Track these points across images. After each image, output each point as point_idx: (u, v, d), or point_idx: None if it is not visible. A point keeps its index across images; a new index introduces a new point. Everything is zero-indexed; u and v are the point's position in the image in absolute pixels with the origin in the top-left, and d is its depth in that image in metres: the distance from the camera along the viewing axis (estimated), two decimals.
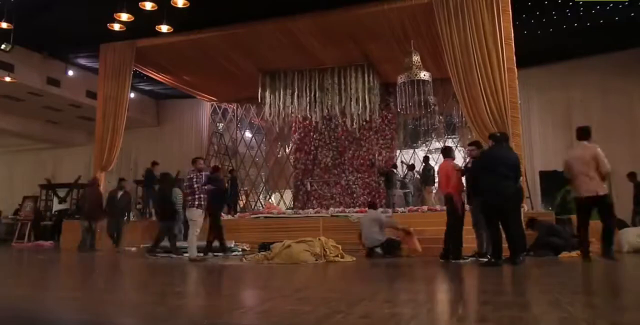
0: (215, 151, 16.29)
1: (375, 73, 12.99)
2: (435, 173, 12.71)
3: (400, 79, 10.97)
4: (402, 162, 13.89)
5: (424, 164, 12.35)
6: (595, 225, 10.06)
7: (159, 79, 14.21)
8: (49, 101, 14.32)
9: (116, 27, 10.13)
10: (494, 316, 2.55)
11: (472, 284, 4.57)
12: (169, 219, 8.52)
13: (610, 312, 2.68)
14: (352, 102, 12.81)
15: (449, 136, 14.22)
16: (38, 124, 16.54)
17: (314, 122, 14.45)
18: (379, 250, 7.71)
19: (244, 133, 16.83)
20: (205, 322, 2.51)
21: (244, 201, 15.67)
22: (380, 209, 9.60)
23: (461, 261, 6.41)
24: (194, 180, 7.35)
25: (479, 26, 9.47)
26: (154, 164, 11.93)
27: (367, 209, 8.94)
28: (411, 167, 12.82)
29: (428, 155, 12.97)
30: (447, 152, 7.14)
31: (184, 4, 8.92)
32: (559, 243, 7.21)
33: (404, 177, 12.52)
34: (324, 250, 6.95)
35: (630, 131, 12.53)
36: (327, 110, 13.21)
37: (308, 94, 13.26)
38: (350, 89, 12.88)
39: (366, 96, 12.80)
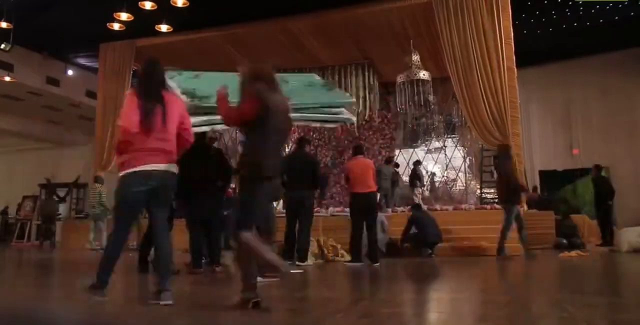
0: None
1: (375, 72, 12.99)
2: (423, 176, 12.80)
3: (400, 78, 10.97)
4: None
5: (412, 167, 12.56)
6: (597, 225, 10.10)
7: None
8: (49, 101, 14.32)
9: (116, 26, 10.14)
10: (493, 316, 2.55)
11: (471, 283, 4.57)
12: None
13: (611, 311, 2.68)
14: (353, 98, 12.80)
15: (449, 136, 14.21)
16: (38, 124, 16.51)
17: None
18: (382, 248, 7.70)
19: None
20: (205, 322, 2.51)
21: None
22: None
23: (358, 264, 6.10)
24: None
25: (478, 26, 9.47)
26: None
27: None
28: (396, 166, 12.93)
29: (419, 159, 13.17)
30: (361, 150, 6.86)
31: (184, 4, 8.93)
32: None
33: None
34: (323, 250, 6.96)
35: (630, 131, 12.54)
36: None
37: None
38: (351, 87, 12.88)
39: (366, 95, 12.81)
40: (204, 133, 5.65)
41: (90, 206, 9.95)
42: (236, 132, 16.69)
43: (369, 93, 12.82)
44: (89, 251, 9.88)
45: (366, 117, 13.14)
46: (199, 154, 5.19)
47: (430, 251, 7.34)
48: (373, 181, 6.31)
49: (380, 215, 8.06)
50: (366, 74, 12.87)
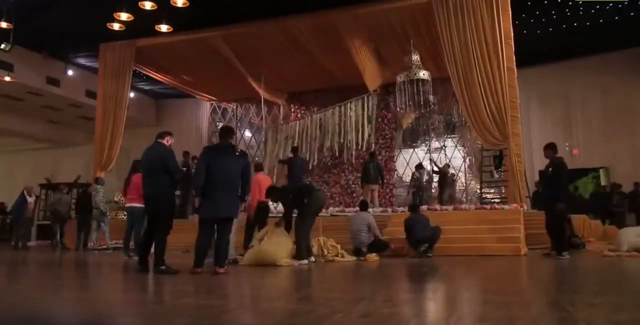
0: None
1: (375, 104, 13.55)
2: (426, 176, 12.85)
3: (400, 78, 10.97)
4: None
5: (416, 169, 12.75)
6: (596, 225, 10.10)
7: (159, 79, 14.21)
8: (49, 101, 14.32)
9: (116, 26, 10.14)
10: (494, 316, 2.55)
11: (471, 283, 4.57)
12: None
13: (611, 311, 2.68)
14: (352, 134, 13.39)
15: (449, 136, 14.21)
16: (38, 123, 16.52)
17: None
18: (364, 249, 7.62)
19: (243, 133, 16.82)
20: (205, 322, 2.51)
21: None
22: (371, 210, 9.26)
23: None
24: None
25: (478, 26, 9.48)
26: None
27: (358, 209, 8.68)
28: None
29: (421, 162, 13.32)
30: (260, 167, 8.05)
31: (184, 4, 8.93)
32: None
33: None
34: (322, 250, 6.95)
35: (630, 131, 12.54)
36: (327, 152, 13.91)
37: (308, 141, 13.90)
38: (350, 117, 13.43)
39: (366, 127, 13.37)
40: (231, 132, 5.56)
41: (95, 207, 10.00)
42: (236, 132, 16.70)
43: (368, 125, 13.38)
44: (93, 251, 9.88)
45: (364, 148, 13.36)
46: (224, 154, 5.11)
47: (424, 247, 7.25)
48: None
49: (367, 216, 7.85)
50: (365, 104, 13.41)
